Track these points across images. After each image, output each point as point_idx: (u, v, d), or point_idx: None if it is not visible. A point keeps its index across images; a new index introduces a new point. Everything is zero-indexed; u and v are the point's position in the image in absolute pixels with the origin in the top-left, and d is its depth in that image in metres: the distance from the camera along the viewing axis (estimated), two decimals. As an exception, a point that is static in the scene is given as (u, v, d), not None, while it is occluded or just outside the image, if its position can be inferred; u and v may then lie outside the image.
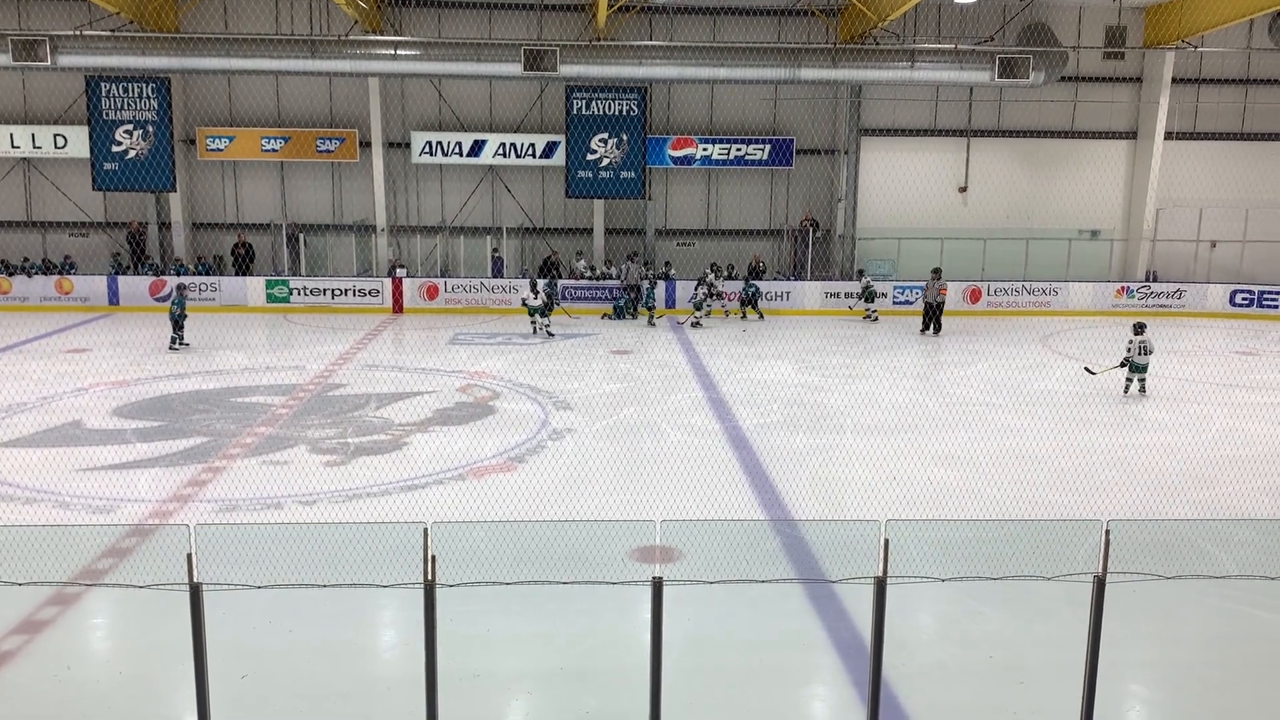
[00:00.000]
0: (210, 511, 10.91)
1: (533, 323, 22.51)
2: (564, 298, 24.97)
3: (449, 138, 26.56)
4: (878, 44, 23.95)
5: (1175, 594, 8.53)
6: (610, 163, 26.33)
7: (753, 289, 24.87)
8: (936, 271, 23.41)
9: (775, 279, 26.48)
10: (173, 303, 20.26)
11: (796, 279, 26.35)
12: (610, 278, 25.91)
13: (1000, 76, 22.92)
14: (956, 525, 7.69)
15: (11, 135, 25.92)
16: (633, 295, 25.06)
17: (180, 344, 20.08)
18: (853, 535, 6.69)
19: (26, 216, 27.03)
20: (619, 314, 24.98)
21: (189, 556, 5.10)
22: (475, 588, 5.66)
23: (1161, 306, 26.41)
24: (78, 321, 23.26)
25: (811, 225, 27.02)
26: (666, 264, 26.58)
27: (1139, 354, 16.51)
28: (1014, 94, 26.71)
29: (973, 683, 7.52)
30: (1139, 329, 16.68)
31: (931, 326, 22.86)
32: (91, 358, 18.94)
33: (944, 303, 23.17)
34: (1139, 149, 27.51)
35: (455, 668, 5.76)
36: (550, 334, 22.16)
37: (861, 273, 25.92)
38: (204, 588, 5.12)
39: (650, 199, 27.22)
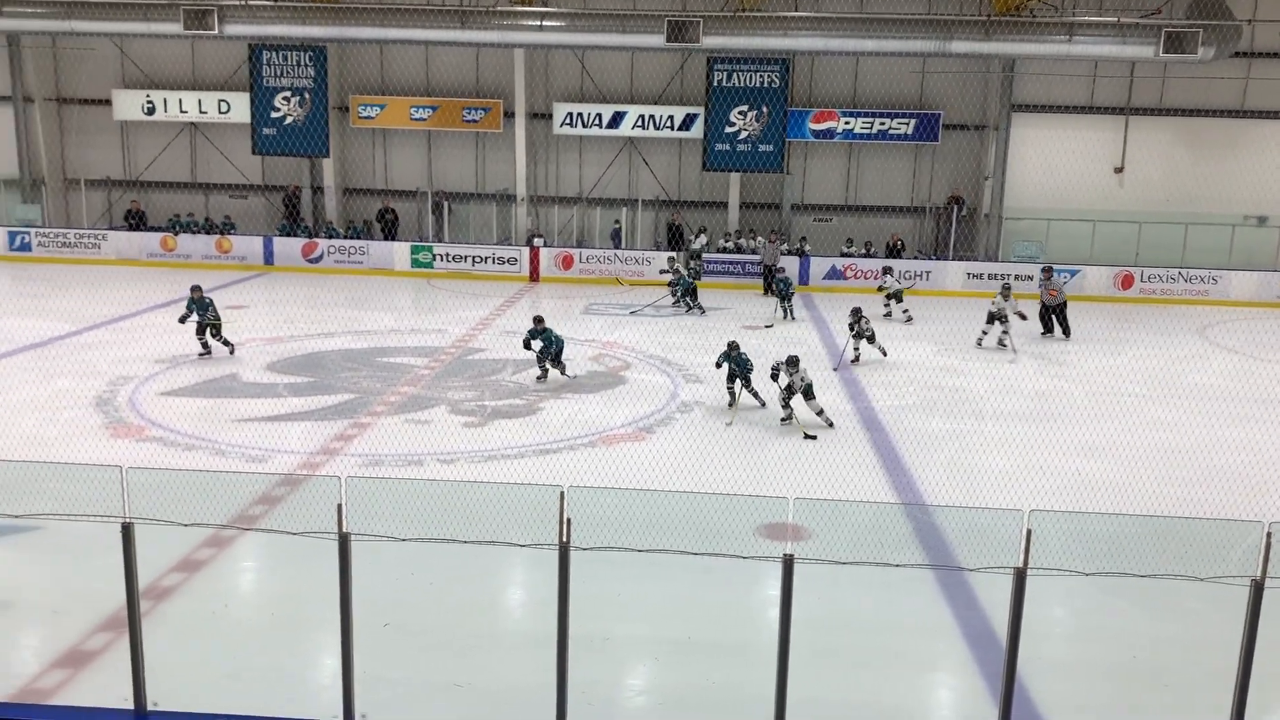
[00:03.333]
0: (356, 465, 11.39)
1: (674, 297, 22.04)
2: (704, 271, 24.87)
3: (590, 109, 26.77)
4: (1034, 16, 22.95)
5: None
6: (749, 135, 26.10)
7: (783, 283, 21.40)
8: (1047, 270, 21.14)
9: (915, 258, 25.84)
10: (191, 308, 16.39)
11: (938, 259, 25.64)
12: (740, 251, 25.75)
13: (1166, 52, 21.66)
14: (1101, 518, 7.40)
15: (180, 101, 27.37)
16: (767, 278, 24.12)
17: (224, 344, 16.60)
18: (989, 524, 6.52)
19: (192, 178, 28.56)
20: (680, 299, 21.99)
21: (339, 507, 5.34)
22: (605, 553, 5.76)
23: (1335, 299, 24.67)
24: (236, 279, 24.50)
25: (956, 203, 26.23)
26: (802, 239, 26.24)
27: None
28: (1179, 70, 25.16)
29: (1111, 682, 7.27)
30: None
31: (1058, 329, 20.20)
32: (248, 314, 19.92)
33: (1064, 303, 20.22)
34: (1318, 130, 25.65)
35: (585, 630, 5.90)
36: (699, 309, 21.79)
37: (888, 271, 22.88)
38: (351, 537, 5.36)
39: (789, 173, 26.89)
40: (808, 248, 25.79)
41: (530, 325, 15.61)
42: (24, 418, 12.98)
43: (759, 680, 6.05)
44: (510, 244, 26.80)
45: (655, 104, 26.84)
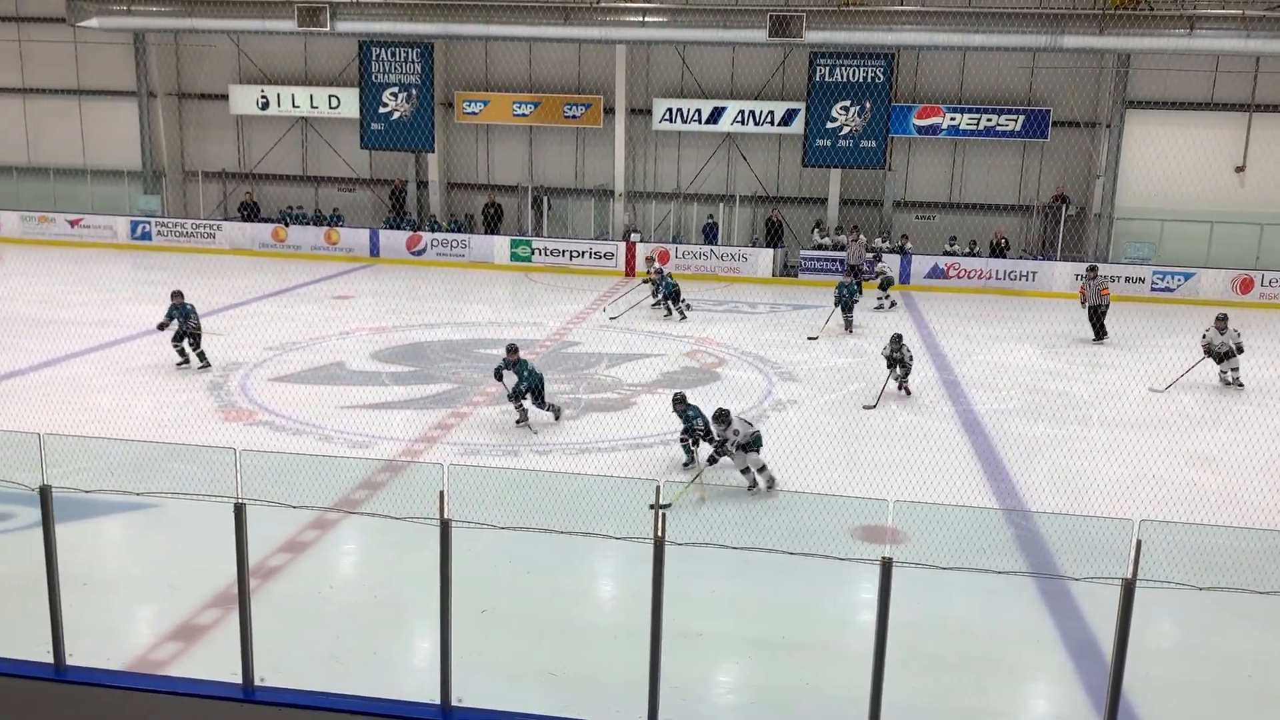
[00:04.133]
0: (454, 454, 11.61)
1: (654, 299, 20.66)
2: (802, 269, 24.66)
3: (689, 104, 26.76)
4: (1152, 9, 22.12)
5: None
6: (850, 131, 25.76)
7: (847, 290, 19.48)
8: (1093, 269, 19.95)
9: (1021, 257, 25.17)
10: (172, 315, 15.16)
11: (1044, 259, 24.94)
12: (840, 248, 25.44)
13: (1296, 44, 20.68)
14: (1216, 531, 7.11)
15: (293, 96, 28.25)
16: (851, 277, 23.61)
17: (196, 361, 15.25)
18: (1095, 533, 6.33)
19: (302, 171, 29.46)
20: (661, 301, 20.47)
21: (441, 494, 5.45)
22: (698, 548, 5.77)
23: None
24: (342, 270, 25.20)
25: (1064, 202, 25.46)
26: (903, 237, 25.80)
27: None
28: (1309, 64, 24.01)
29: (1223, 702, 6.99)
30: None
31: (1097, 332, 19.19)
32: (354, 304, 20.48)
33: (1108, 305, 19.17)
34: None
35: (678, 625, 5.92)
36: (680, 313, 20.29)
37: (877, 257, 23.00)
38: (452, 523, 5.47)
39: (890, 169, 26.46)
40: (909, 245, 25.35)
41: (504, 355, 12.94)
42: (142, 400, 13.58)
43: (852, 683, 5.98)
44: (607, 239, 26.97)
45: (755, 99, 26.68)
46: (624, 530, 5.98)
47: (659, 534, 5.21)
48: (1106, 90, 25.30)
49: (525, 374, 12.70)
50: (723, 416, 10.79)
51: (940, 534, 7.29)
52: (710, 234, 26.87)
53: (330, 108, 28.18)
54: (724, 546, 5.60)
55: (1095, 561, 5.84)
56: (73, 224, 28.02)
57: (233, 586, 6.77)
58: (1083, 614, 7.98)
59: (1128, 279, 23.78)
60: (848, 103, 25.64)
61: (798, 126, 26.24)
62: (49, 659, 5.72)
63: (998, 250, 25.15)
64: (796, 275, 25.40)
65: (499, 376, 12.78)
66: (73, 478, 7.08)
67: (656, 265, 23.05)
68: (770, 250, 25.68)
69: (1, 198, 29.19)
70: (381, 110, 27.35)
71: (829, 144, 25.88)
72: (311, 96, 28.26)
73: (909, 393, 14.60)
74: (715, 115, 26.71)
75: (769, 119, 26.57)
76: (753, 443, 10.73)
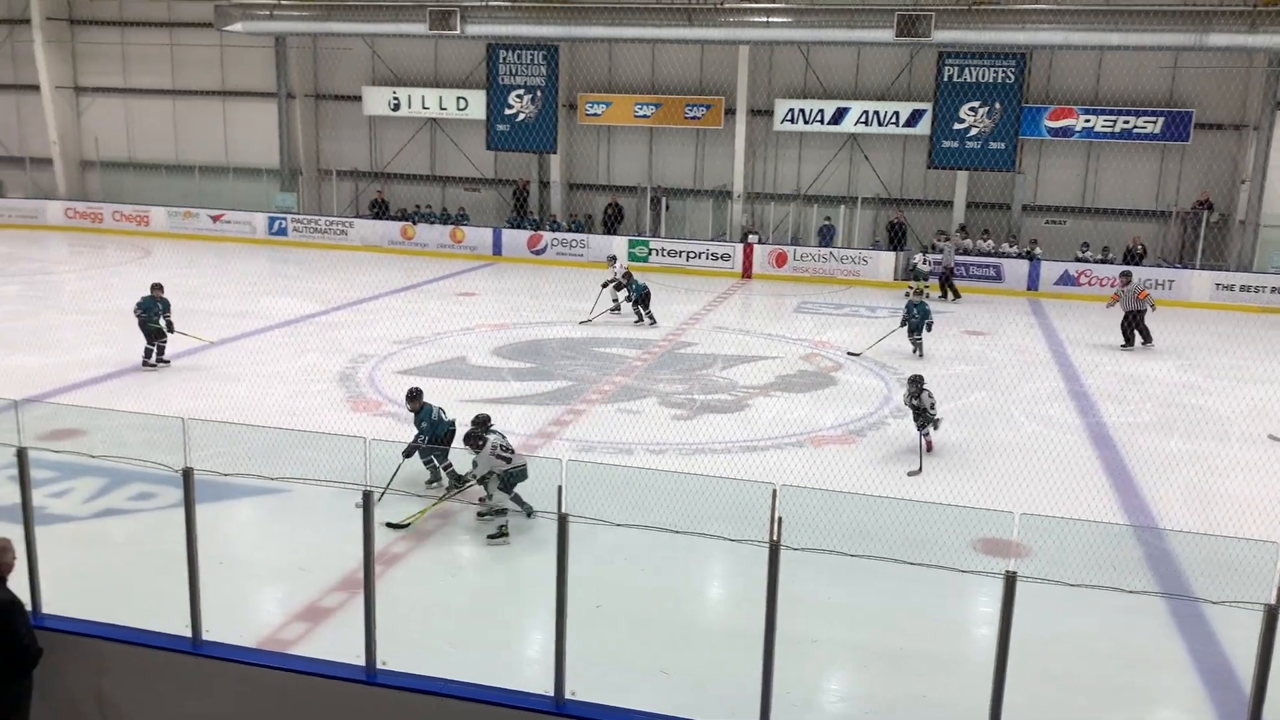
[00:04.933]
0: (570, 450, 11.77)
1: (614, 303, 19.91)
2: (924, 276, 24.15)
3: (812, 105, 26.49)
4: (1311, 4, 20.91)
5: None
6: (979, 132, 25.11)
7: (919, 310, 17.11)
8: (1126, 275, 19.06)
9: (1158, 265, 24.11)
10: (144, 308, 14.91)
11: (1183, 267, 23.83)
12: (967, 252, 24.80)
13: None
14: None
15: (423, 97, 29.06)
16: (944, 283, 23.25)
17: (159, 355, 14.98)
18: (1233, 554, 6.01)
19: (430, 171, 30.27)
20: (619, 305, 19.79)
21: (559, 488, 5.53)
22: (812, 554, 5.71)
23: None
24: (467, 268, 25.80)
25: (1206, 208, 24.27)
26: (1033, 242, 25.00)
27: None
28: None
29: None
30: None
31: (1138, 337, 18.40)
32: (477, 301, 20.95)
33: (1145, 310, 18.31)
34: None
35: (792, 630, 5.86)
36: (650, 319, 19.40)
37: (930, 247, 23.55)
38: (569, 518, 5.55)
39: (1020, 172, 25.68)
40: (1039, 251, 24.55)
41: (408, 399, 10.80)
42: (277, 388, 14.17)
43: (968, 698, 5.85)
44: (725, 240, 26.91)
45: (880, 100, 26.24)
46: (737, 532, 5.97)
47: (774, 538, 5.18)
48: (1255, 91, 24.01)
49: (429, 422, 10.39)
50: (474, 436, 9.41)
51: (1067, 550, 7.06)
52: (827, 236, 26.55)
53: (458, 109, 28.87)
54: (841, 554, 5.52)
55: (1234, 585, 5.56)
56: (215, 219, 29.44)
57: (356, 571, 7.02)
58: (1218, 639, 7.61)
59: (1274, 289, 22.55)
60: (977, 103, 25.00)
61: (923, 128, 25.70)
62: (187, 633, 6.02)
63: (1132, 257, 24.14)
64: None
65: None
66: (212, 461, 7.44)
67: (621, 265, 20.80)
68: (892, 253, 25.23)
69: (151, 194, 30.89)
70: (507, 112, 27.91)
71: (956, 145, 25.28)
72: (440, 98, 29.01)
73: (930, 447, 12.03)
74: (838, 116, 26.37)
75: (894, 120, 26.10)
76: (515, 476, 9.34)
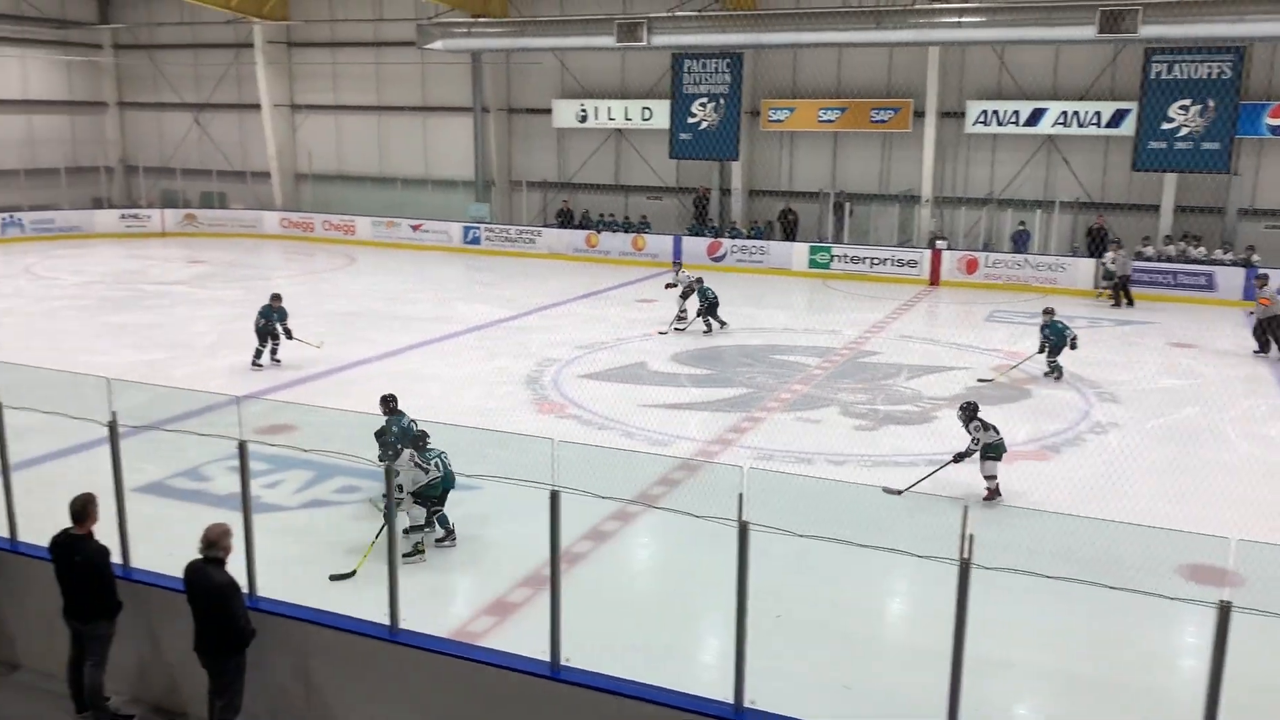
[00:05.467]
0: (747, 458, 11.74)
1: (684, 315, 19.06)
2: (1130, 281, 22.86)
3: (1006, 106, 25.47)
4: None
5: None
6: (1190, 132, 23.48)
7: (1056, 332, 15.47)
8: (1263, 277, 17.89)
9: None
10: (263, 316, 15.97)
11: None
12: (1173, 260, 23.26)
13: None
14: None
15: (609, 109, 29.67)
16: (1117, 292, 22.12)
17: (272, 358, 16.04)
18: None
19: (614, 180, 30.87)
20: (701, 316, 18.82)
21: (740, 496, 5.54)
22: (1003, 574, 5.49)
23: None
24: (647, 275, 26.15)
25: None
26: (1249, 249, 23.20)
27: None
28: None
29: None
30: None
31: (1273, 344, 17.15)
32: (657, 308, 21.19)
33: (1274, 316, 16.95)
34: None
35: (981, 651, 5.65)
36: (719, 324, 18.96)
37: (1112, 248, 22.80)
38: (750, 526, 5.54)
39: (1237, 174, 23.88)
40: (1256, 258, 22.76)
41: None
42: (469, 390, 14.78)
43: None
44: (911, 246, 26.22)
45: (1080, 99, 24.96)
46: (922, 548, 5.79)
47: (965, 556, 5.01)
48: None
49: (398, 432, 9.63)
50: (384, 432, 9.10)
51: (1285, 580, 6.53)
52: (1021, 242, 25.45)
53: (643, 119, 29.31)
54: (1036, 574, 5.28)
55: None
56: (414, 228, 30.98)
57: (542, 567, 7.21)
58: None
59: None
60: (1187, 101, 23.40)
61: (1128, 128, 24.26)
62: (385, 621, 6.35)
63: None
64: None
65: (388, 450, 9.42)
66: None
67: (687, 274, 19.87)
68: (1092, 260, 23.95)
69: (357, 204, 32.83)
70: (690, 120, 28.11)
71: (1164, 146, 23.74)
72: (626, 109, 29.53)
73: (995, 493, 10.56)
74: (1035, 117, 25.25)
75: (1094, 120, 24.77)
76: (444, 486, 9.14)
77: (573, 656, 6.02)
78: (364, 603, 6.59)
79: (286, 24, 33.09)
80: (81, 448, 9.96)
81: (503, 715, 6.05)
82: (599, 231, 28.95)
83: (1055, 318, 15.63)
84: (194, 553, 6.22)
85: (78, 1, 34.99)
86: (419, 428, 9.49)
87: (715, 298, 18.86)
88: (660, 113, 28.78)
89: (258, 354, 15.91)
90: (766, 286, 24.67)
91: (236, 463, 6.60)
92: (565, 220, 30.19)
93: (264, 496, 10.13)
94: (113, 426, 6.88)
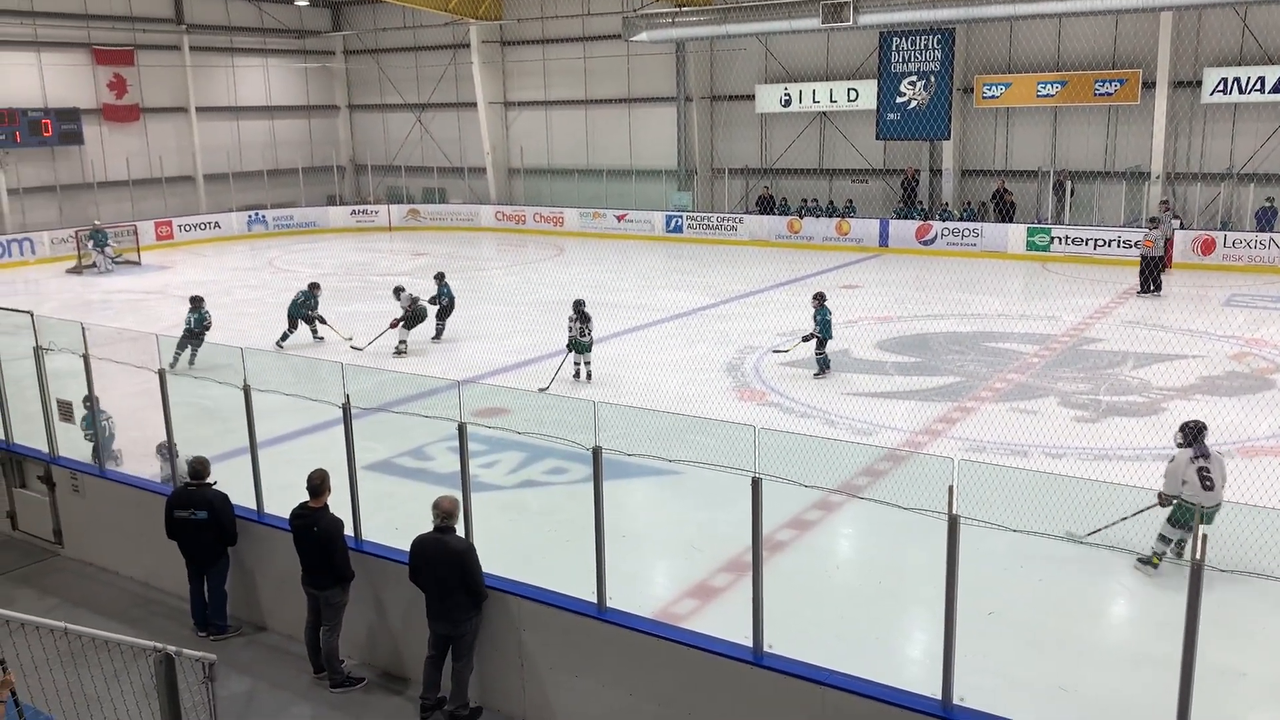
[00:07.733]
0: (957, 449, 11.36)
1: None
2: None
3: (1249, 72, 23.37)
4: None
5: None
6: None
7: None
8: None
9: None
10: (298, 305, 17.71)
11: None
12: None
13: None
14: None
15: (814, 91, 29.24)
16: (1146, 274, 20.06)
17: (314, 336, 17.86)
18: None
19: (818, 164, 30.42)
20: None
21: (950, 488, 5.39)
22: (1242, 578, 5.11)
23: None
24: (852, 260, 25.67)
25: None
26: None
27: None
28: None
29: None
30: None
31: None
32: (861, 294, 20.78)
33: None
34: None
35: (1214, 659, 5.27)
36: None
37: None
38: (960, 519, 5.39)
39: None
40: None
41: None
42: (671, 376, 14.98)
43: None
44: (1139, 226, 24.53)
45: (1339, 61, 22.62)
46: (1148, 547, 5.47)
47: (1197, 557, 4.68)
48: None
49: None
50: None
51: None
52: (1266, 219, 23.31)
53: (848, 100, 28.71)
54: (1271, 578, 4.89)
55: None
56: (619, 219, 31.62)
57: (743, 554, 7.26)
58: None
59: None
60: None
61: (1398, 90, 21.80)
62: (593, 598, 6.56)
63: None
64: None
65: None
66: (616, 441, 8.04)
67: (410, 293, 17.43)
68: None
69: (565, 196, 33.83)
70: (898, 100, 27.31)
71: None
72: (831, 91, 29.01)
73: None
74: (1283, 83, 23.08)
75: (1357, 83, 22.38)
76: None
77: (775, 644, 6.03)
78: (572, 580, 6.82)
79: (500, 23, 34.43)
80: (315, 428, 10.77)
81: (705, 697, 6.14)
82: (801, 216, 28.61)
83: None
84: (418, 529, 6.61)
85: (313, 12, 37.65)
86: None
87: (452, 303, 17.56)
88: (867, 93, 28.09)
89: (284, 335, 17.30)
90: (980, 270, 23.70)
91: (456, 443, 6.98)
92: (766, 207, 30.02)
93: (481, 476, 10.64)
94: (346, 408, 7.42)
